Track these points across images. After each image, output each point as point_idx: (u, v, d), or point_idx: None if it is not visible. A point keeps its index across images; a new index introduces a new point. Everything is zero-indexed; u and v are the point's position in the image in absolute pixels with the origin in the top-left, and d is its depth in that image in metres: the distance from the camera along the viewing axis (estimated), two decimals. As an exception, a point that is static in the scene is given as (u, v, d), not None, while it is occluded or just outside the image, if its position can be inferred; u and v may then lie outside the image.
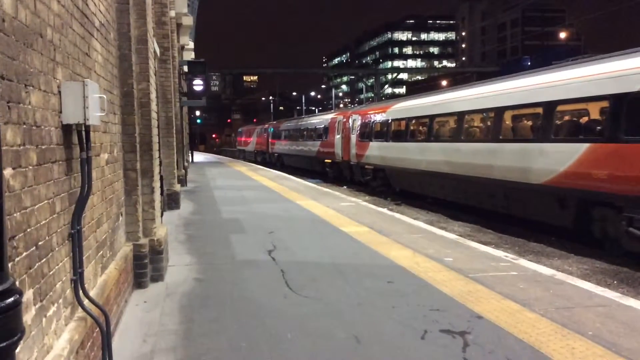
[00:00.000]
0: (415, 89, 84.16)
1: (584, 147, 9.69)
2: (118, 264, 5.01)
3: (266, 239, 8.90)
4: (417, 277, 6.48)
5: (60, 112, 3.39)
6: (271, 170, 29.22)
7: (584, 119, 10.69)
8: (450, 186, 14.84)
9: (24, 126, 2.73)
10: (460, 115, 14.31)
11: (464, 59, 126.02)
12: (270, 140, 42.56)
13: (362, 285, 6.14)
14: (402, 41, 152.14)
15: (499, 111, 12.51)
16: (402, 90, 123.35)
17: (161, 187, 8.86)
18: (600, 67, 9.70)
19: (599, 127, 9.80)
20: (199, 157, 48.77)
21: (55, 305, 3.14)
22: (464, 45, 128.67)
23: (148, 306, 5.50)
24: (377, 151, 20.01)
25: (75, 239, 3.52)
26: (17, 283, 2.47)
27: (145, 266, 6.07)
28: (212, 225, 10.56)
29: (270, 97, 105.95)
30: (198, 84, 19.72)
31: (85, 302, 3.56)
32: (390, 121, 19.24)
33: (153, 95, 6.84)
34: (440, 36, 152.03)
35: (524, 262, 7.25)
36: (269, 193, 16.35)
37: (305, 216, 11.48)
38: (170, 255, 7.41)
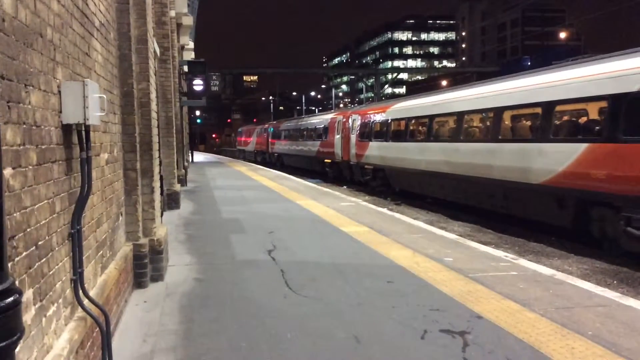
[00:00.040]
0: (415, 89, 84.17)
1: (583, 147, 9.71)
2: (118, 264, 5.01)
3: (266, 238, 8.90)
4: (417, 277, 6.48)
5: (60, 111, 3.39)
6: (271, 170, 29.23)
7: (583, 119, 10.71)
8: (449, 186, 14.85)
9: (24, 126, 2.73)
10: (460, 115, 14.32)
11: (464, 59, 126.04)
12: (270, 140, 42.56)
13: (362, 285, 6.14)
14: (402, 41, 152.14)
15: (498, 111, 12.53)
16: (402, 90, 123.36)
17: (161, 187, 8.86)
18: (599, 67, 9.72)
19: (597, 127, 9.81)
20: (199, 157, 48.77)
21: (55, 305, 3.14)
22: (464, 45, 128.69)
23: (148, 306, 5.50)
24: (377, 151, 20.01)
25: (75, 238, 3.52)
26: (16, 283, 2.47)
27: (145, 266, 6.07)
28: (212, 225, 10.56)
29: (270, 97, 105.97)
30: (198, 84, 19.72)
31: (85, 302, 3.56)
32: (389, 121, 19.24)
33: (153, 95, 6.84)
34: (440, 36, 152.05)
35: (523, 262, 7.25)
36: (268, 193, 16.35)
37: (305, 216, 11.48)
38: (170, 255, 7.41)
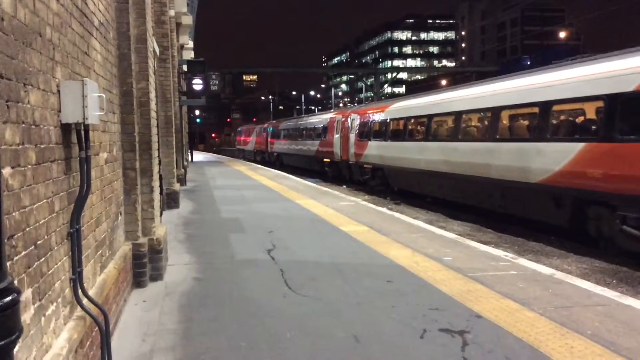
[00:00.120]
0: (414, 89, 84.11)
1: (579, 146, 9.77)
2: (117, 263, 5.00)
3: (265, 238, 8.90)
4: (416, 276, 6.48)
5: (60, 111, 3.39)
6: (270, 169, 29.22)
7: (580, 119, 10.80)
8: (448, 185, 14.87)
9: (23, 125, 2.73)
10: (458, 115, 14.35)
11: (463, 58, 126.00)
12: (269, 139, 42.57)
13: (362, 284, 6.14)
14: (401, 40, 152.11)
15: (496, 111, 12.58)
16: (402, 89, 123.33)
17: (160, 186, 8.86)
18: (596, 67, 9.78)
19: (593, 127, 9.89)
20: (198, 156, 48.74)
21: (54, 304, 3.14)
22: (463, 45, 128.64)
23: (147, 305, 5.50)
24: (376, 150, 20.03)
25: (74, 238, 3.52)
26: (15, 282, 2.47)
27: (145, 265, 6.07)
28: (212, 224, 10.56)
29: (270, 97, 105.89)
30: (197, 83, 19.71)
31: (84, 301, 3.56)
32: (388, 120, 19.26)
33: (152, 95, 6.84)
34: (439, 35, 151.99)
35: (523, 262, 7.26)
36: (268, 192, 16.35)
37: (304, 215, 11.48)
38: (169, 255, 7.41)
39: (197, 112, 61.15)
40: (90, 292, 3.82)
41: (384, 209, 13.05)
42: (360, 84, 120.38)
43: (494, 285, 6.00)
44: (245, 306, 5.40)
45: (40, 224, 2.96)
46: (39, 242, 2.91)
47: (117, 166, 5.47)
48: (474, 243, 8.60)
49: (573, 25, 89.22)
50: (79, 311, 3.55)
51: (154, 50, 9.42)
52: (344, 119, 24.62)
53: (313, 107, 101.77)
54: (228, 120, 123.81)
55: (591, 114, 10.49)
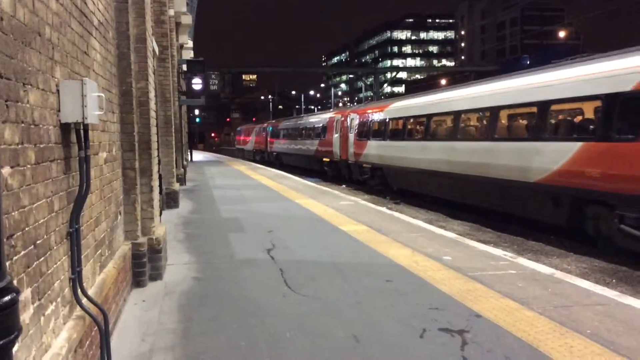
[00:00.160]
0: (414, 88, 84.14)
1: (577, 145, 9.80)
2: (117, 263, 5.00)
3: (265, 237, 8.90)
4: (416, 275, 6.48)
5: (59, 110, 3.39)
6: (270, 169, 29.22)
7: (577, 118, 10.85)
8: (447, 185, 14.88)
9: (22, 125, 2.72)
10: (457, 115, 14.38)
11: (463, 57, 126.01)
12: (269, 139, 42.58)
13: (361, 284, 6.14)
14: (401, 40, 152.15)
15: (495, 110, 12.62)
16: (401, 89, 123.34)
17: (160, 186, 8.86)
18: (594, 67, 9.82)
19: (591, 126, 9.92)
20: (198, 156, 48.72)
21: (54, 304, 3.14)
22: (463, 44, 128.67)
23: (147, 305, 5.50)
24: (375, 150, 20.04)
25: (74, 237, 3.52)
26: (15, 282, 2.47)
27: (144, 265, 6.07)
28: (211, 224, 10.56)
29: (270, 96, 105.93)
30: (197, 83, 19.69)
31: (84, 300, 3.56)
32: (387, 120, 19.28)
33: (152, 94, 6.84)
34: (439, 35, 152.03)
35: (522, 261, 7.26)
36: (268, 192, 16.35)
37: (304, 215, 11.48)
38: (169, 254, 7.41)
39: (196, 112, 61.05)
40: (90, 292, 3.82)
41: (384, 209, 13.05)
42: (360, 84, 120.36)
43: (493, 285, 6.00)
44: (244, 306, 5.40)
45: (40, 223, 2.96)
46: (38, 242, 2.91)
47: (116, 166, 5.47)
48: (473, 242, 8.61)
49: (572, 25, 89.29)
50: (78, 311, 3.55)
51: (154, 50, 9.42)
52: (343, 119, 24.63)
53: (313, 107, 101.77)
54: (227, 119, 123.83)
55: (589, 114, 10.52)
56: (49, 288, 3.06)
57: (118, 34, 5.67)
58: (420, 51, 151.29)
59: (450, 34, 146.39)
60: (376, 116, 20.48)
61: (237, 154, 58.84)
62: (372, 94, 71.41)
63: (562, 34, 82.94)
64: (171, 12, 14.51)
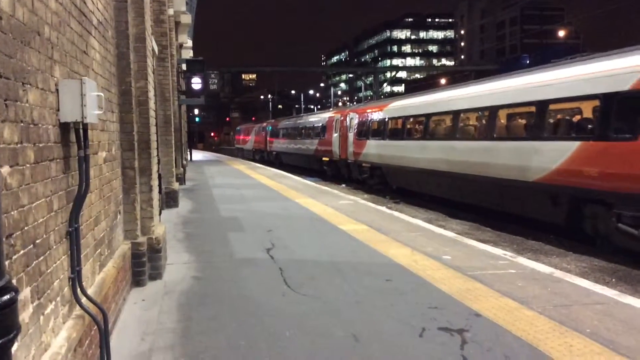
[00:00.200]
0: (414, 88, 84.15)
1: (575, 145, 9.85)
2: (116, 262, 5.00)
3: (265, 237, 8.90)
4: (415, 275, 6.48)
5: (58, 110, 3.39)
6: (269, 168, 29.21)
7: (576, 118, 10.90)
8: (446, 184, 14.90)
9: (22, 124, 2.72)
10: (456, 114, 14.41)
11: (462, 57, 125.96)
12: (268, 138, 42.59)
13: (361, 283, 6.15)
14: (401, 39, 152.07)
15: (494, 110, 12.65)
16: (401, 88, 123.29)
17: (159, 185, 8.85)
18: (592, 66, 9.86)
19: (589, 126, 9.97)
20: (197, 155, 48.70)
21: (53, 303, 3.14)
22: (462, 44, 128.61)
23: (146, 304, 5.50)
24: (374, 149, 20.05)
25: (73, 237, 3.52)
26: (14, 281, 2.47)
27: (144, 264, 6.07)
28: (211, 223, 10.55)
29: (269, 96, 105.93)
30: (196, 82, 19.69)
31: (83, 300, 3.56)
32: (387, 119, 19.30)
33: (151, 94, 6.83)
34: (439, 34, 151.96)
35: (522, 260, 7.26)
36: (267, 191, 16.35)
37: (303, 214, 11.48)
38: (168, 254, 7.41)
39: (196, 111, 61.05)
40: (89, 291, 3.82)
41: (383, 208, 13.06)
42: (360, 83, 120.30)
43: (493, 284, 6.01)
44: (244, 305, 5.40)
45: (39, 222, 2.96)
46: (37, 241, 2.91)
47: (115, 165, 5.47)
48: (473, 242, 8.61)
49: (572, 24, 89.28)
50: (77, 310, 3.55)
51: (153, 49, 9.42)
52: (342, 118, 24.63)
53: (312, 106, 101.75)
54: (227, 119, 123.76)
55: (587, 113, 10.58)
56: (48, 287, 3.06)
57: (117, 33, 5.66)
58: (420, 50, 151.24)
59: (450, 34, 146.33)
60: (375, 115, 20.49)
61: (236, 153, 58.83)
62: (371, 93, 71.40)
63: (561, 33, 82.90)
64: (170, 11, 14.50)
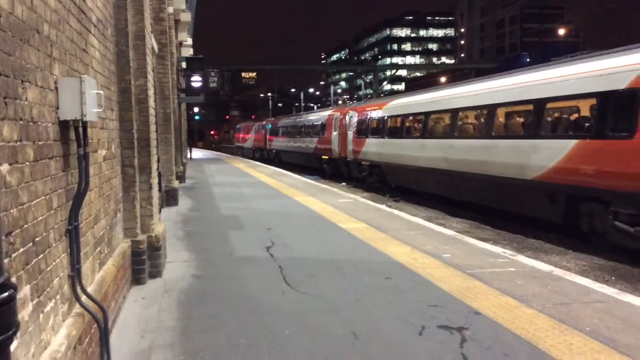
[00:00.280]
0: (414, 86, 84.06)
1: (572, 143, 9.89)
2: (116, 260, 5.00)
3: (264, 235, 8.90)
4: (415, 273, 6.48)
5: (58, 108, 3.38)
6: (269, 166, 29.21)
7: (573, 116, 10.96)
8: (445, 182, 14.92)
9: (21, 122, 2.72)
10: (455, 112, 14.43)
11: (462, 55, 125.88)
12: (268, 136, 42.60)
13: (360, 281, 6.15)
14: (401, 38, 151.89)
15: (493, 108, 12.69)
16: (401, 86, 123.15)
17: (159, 183, 8.86)
18: (589, 65, 9.91)
19: (586, 124, 10.04)
20: (197, 153, 48.73)
21: (53, 301, 3.14)
22: (462, 42, 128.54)
23: (146, 302, 5.50)
24: (373, 147, 20.08)
25: (73, 235, 3.52)
26: (14, 279, 2.47)
27: (143, 262, 6.06)
28: (211, 221, 10.55)
29: (269, 94, 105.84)
30: (196, 81, 19.69)
31: (83, 298, 3.56)
32: (386, 118, 19.32)
33: (151, 92, 6.83)
34: (439, 33, 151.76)
35: (522, 259, 7.26)
36: (267, 189, 16.35)
37: (303, 212, 11.48)
38: (168, 252, 7.41)
39: (196, 109, 61.10)
40: (89, 289, 3.82)
41: (383, 206, 13.06)
42: (360, 81, 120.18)
43: (492, 282, 6.01)
44: (244, 303, 5.40)
45: (39, 220, 2.96)
46: (37, 239, 2.91)
47: (115, 163, 5.46)
48: (472, 240, 8.61)
49: (572, 23, 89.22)
50: (77, 308, 3.55)
51: (153, 47, 9.41)
52: (342, 117, 24.63)
53: (312, 105, 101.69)
54: (227, 117, 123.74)
55: (584, 111, 10.65)
56: (48, 285, 3.06)
57: (117, 31, 5.65)
58: (420, 49, 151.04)
59: (450, 32, 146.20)
60: (374, 114, 20.50)
61: (236, 151, 58.84)
62: (371, 91, 71.37)
63: (561, 31, 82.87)
64: (170, 9, 14.48)
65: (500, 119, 12.93)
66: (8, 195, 2.50)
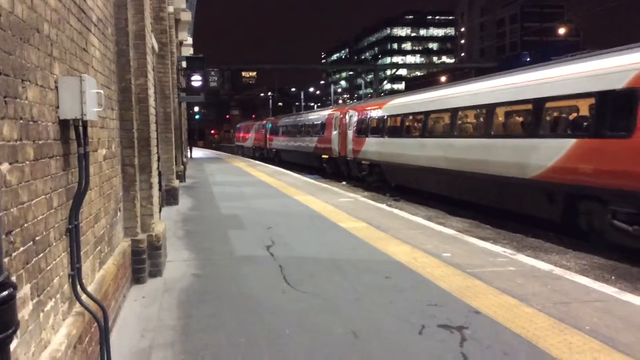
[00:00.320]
0: (414, 85, 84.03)
1: (571, 142, 9.93)
2: (116, 260, 5.01)
3: (264, 234, 8.91)
4: (415, 272, 6.48)
5: (58, 107, 3.38)
6: (269, 166, 29.22)
7: (571, 116, 11.00)
8: (445, 181, 14.92)
9: (21, 121, 2.72)
10: (455, 112, 14.45)
11: (462, 54, 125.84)
12: (268, 136, 42.61)
13: (360, 280, 6.15)
14: (401, 37, 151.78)
15: (492, 107, 12.72)
16: (401, 86, 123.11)
17: (159, 182, 8.86)
18: (588, 64, 9.93)
19: (585, 123, 10.08)
20: (197, 152, 48.74)
21: (53, 300, 3.14)
22: (463, 41, 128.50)
23: (146, 301, 5.50)
24: (373, 147, 20.09)
25: (73, 234, 3.52)
26: (14, 278, 2.47)
27: (144, 261, 6.07)
28: (211, 221, 10.56)
29: (269, 93, 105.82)
30: (196, 80, 19.68)
31: (83, 297, 3.57)
32: (386, 117, 19.34)
33: (151, 91, 6.83)
34: (439, 32, 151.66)
35: (521, 258, 7.27)
36: (267, 189, 16.35)
37: (303, 212, 11.49)
38: (168, 251, 7.42)
39: (196, 109, 61.09)
40: (89, 288, 3.82)
41: (383, 206, 13.06)
42: (360, 81, 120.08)
43: (492, 281, 6.01)
44: (244, 302, 5.40)
45: (39, 220, 2.96)
46: (37, 238, 2.91)
47: (115, 162, 5.46)
48: (472, 239, 8.62)
49: (572, 22, 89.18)
50: (77, 307, 3.56)
51: (153, 47, 9.41)
52: (342, 116, 24.64)
53: (312, 104, 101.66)
54: (227, 116, 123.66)
55: (583, 111, 10.69)
56: (48, 284, 3.06)
57: (117, 31, 5.66)
58: (420, 48, 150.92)
59: (450, 31, 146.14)
60: (374, 113, 20.51)
61: (236, 150, 58.86)
62: (371, 91, 71.32)
63: (562, 30, 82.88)
64: (170, 8, 14.48)
65: (500, 118, 12.97)
66: (8, 195, 2.51)
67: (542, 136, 10.83)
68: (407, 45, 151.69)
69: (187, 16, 18.04)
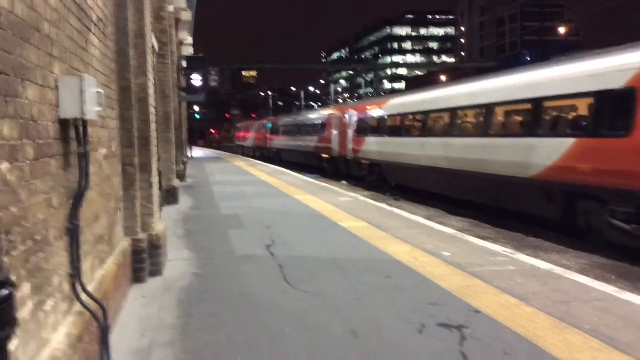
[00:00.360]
0: (414, 84, 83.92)
1: (570, 141, 9.94)
2: (116, 259, 5.01)
3: (264, 233, 8.91)
4: (415, 271, 6.49)
5: (58, 106, 3.38)
6: (269, 165, 29.21)
7: (570, 115, 11.03)
8: (445, 181, 14.93)
9: (21, 120, 2.72)
10: (454, 111, 14.47)
11: (462, 54, 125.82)
12: (268, 135, 42.62)
13: (360, 279, 6.15)
14: (401, 36, 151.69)
15: (491, 107, 12.74)
16: (401, 85, 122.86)
17: (159, 182, 8.86)
18: (586, 64, 9.94)
19: (584, 123, 10.09)
20: (198, 152, 48.74)
21: (53, 299, 3.14)
22: (463, 41, 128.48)
23: (146, 301, 5.50)
24: (373, 146, 20.11)
25: (73, 233, 3.52)
26: (13, 277, 2.47)
27: (144, 261, 6.07)
28: (211, 220, 10.56)
29: (269, 92, 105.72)
30: (196, 79, 19.70)
31: (83, 296, 3.57)
32: (385, 117, 19.36)
33: (151, 90, 6.83)
34: (439, 31, 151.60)
35: (521, 257, 7.27)
36: (267, 188, 16.35)
37: (303, 211, 11.49)
38: (168, 250, 7.41)
39: (196, 108, 61.07)
40: (89, 288, 3.82)
41: (383, 205, 13.05)
42: (360, 80, 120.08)
43: (492, 281, 6.01)
44: (244, 302, 5.40)
45: (38, 219, 2.96)
46: (37, 237, 2.91)
47: (115, 162, 5.46)
48: (472, 238, 8.62)
49: (572, 21, 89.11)
50: (77, 306, 3.56)
51: (153, 46, 9.41)
52: (342, 115, 24.65)
53: (312, 103, 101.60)
54: (227, 116, 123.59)
55: (582, 110, 10.70)
56: (48, 283, 3.06)
57: (117, 30, 5.65)
58: (420, 47, 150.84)
59: (450, 30, 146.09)
60: (374, 112, 20.53)
61: (237, 150, 58.86)
62: (372, 90, 71.31)
63: (562, 30, 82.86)
64: (170, 8, 14.48)
65: (499, 118, 13.00)
66: (8, 194, 2.51)
67: (542, 135, 10.86)
68: (407, 45, 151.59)
69: (187, 15, 18.03)
